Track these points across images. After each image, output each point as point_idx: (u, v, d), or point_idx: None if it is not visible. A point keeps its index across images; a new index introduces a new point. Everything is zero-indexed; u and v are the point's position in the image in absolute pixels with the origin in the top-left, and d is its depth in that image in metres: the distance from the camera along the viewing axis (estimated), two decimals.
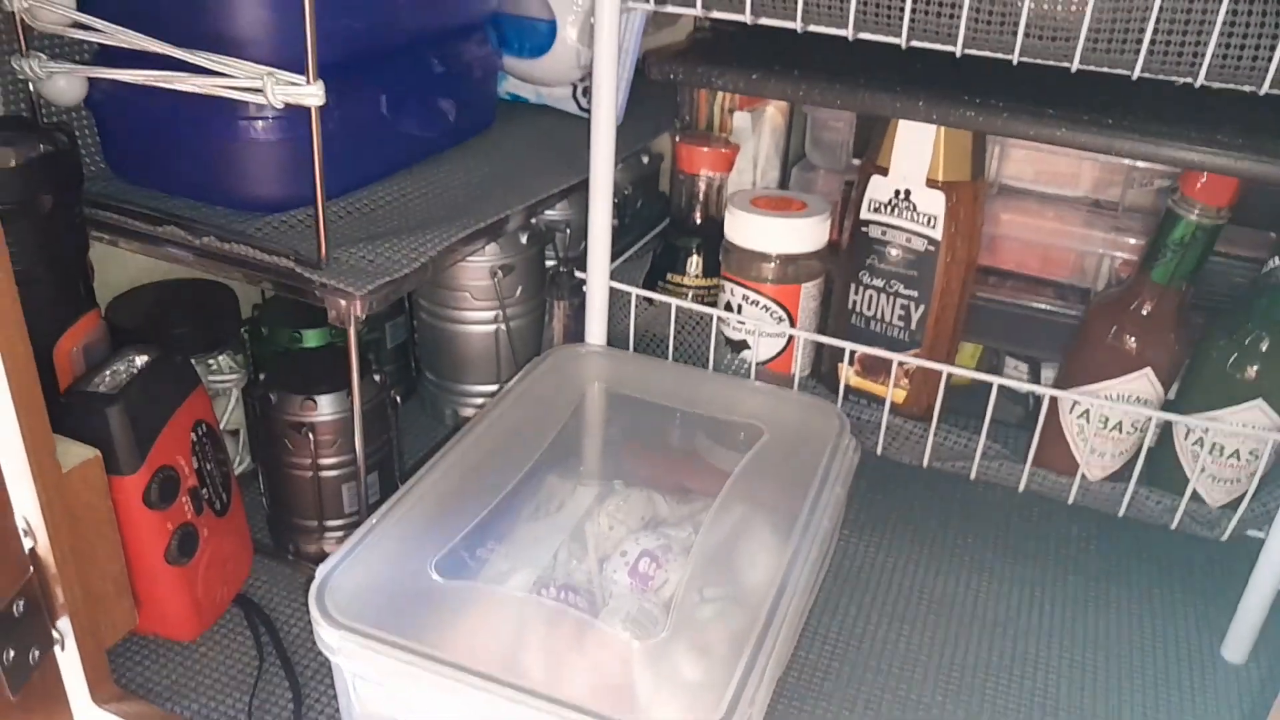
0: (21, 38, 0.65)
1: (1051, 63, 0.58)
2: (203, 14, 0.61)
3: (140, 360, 0.61)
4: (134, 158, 0.69)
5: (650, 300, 0.80)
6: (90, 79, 0.65)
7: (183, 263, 0.64)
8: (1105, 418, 0.68)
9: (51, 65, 0.64)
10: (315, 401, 0.67)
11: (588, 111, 0.72)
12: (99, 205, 0.66)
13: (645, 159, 1.00)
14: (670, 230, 0.86)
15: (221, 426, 0.74)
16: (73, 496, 0.56)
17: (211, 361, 0.75)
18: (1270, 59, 0.54)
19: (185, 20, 0.61)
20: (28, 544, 0.54)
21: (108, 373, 0.60)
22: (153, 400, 0.60)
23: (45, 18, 0.63)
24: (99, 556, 0.59)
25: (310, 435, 0.67)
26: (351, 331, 0.60)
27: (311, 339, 0.77)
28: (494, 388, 0.86)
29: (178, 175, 0.67)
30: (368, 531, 0.56)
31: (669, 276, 0.85)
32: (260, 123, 0.62)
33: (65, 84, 0.65)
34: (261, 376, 0.70)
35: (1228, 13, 0.53)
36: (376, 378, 0.70)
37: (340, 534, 0.71)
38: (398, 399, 0.72)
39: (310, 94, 0.55)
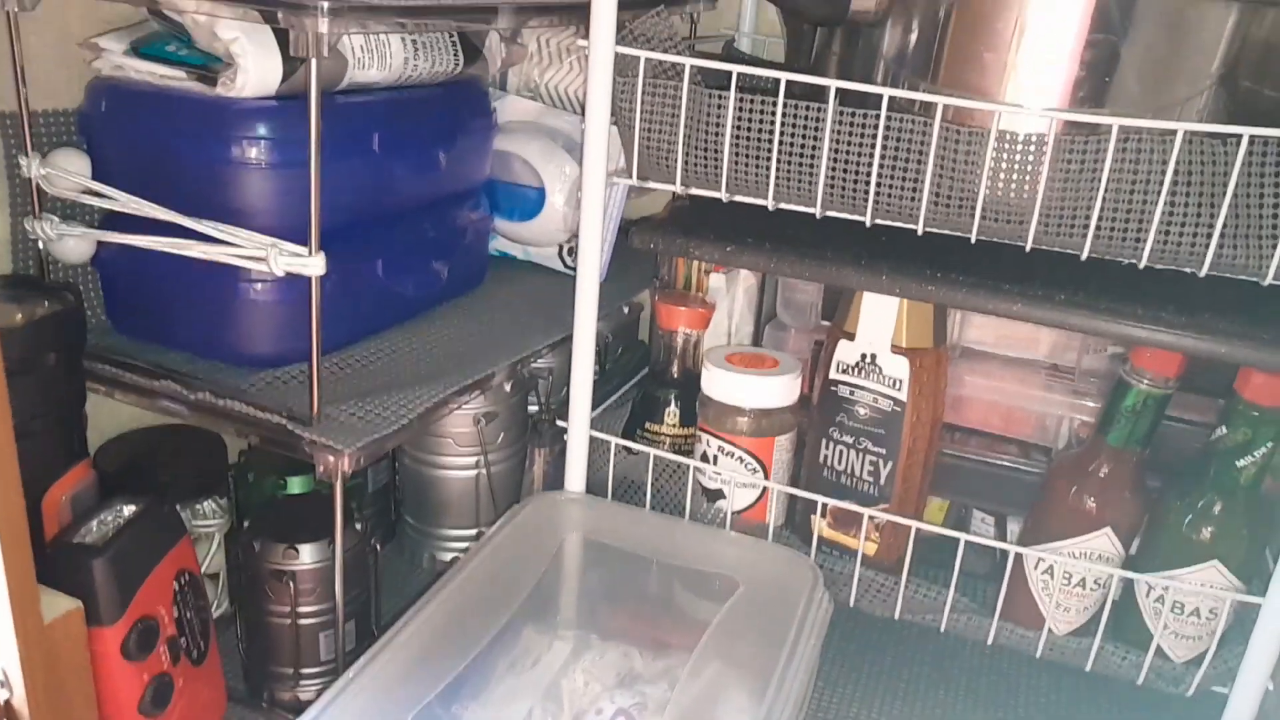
0: (35, 201, 0.69)
1: (1007, 241, 0.63)
2: (209, 185, 0.64)
3: (128, 510, 0.62)
4: (135, 313, 0.72)
5: (629, 449, 0.82)
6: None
7: (178, 416, 0.66)
8: (1069, 574, 0.70)
9: (63, 227, 0.67)
10: (297, 550, 0.68)
11: (573, 269, 0.76)
12: (98, 359, 0.68)
13: (625, 309, 1.04)
14: (649, 381, 0.89)
15: (202, 570, 0.75)
16: (52, 647, 0.56)
17: (198, 506, 0.76)
18: (1207, 245, 0.58)
19: (191, 189, 0.65)
20: (3, 695, 0.54)
21: (95, 522, 0.61)
22: (138, 551, 0.61)
23: (61, 184, 0.67)
24: (73, 707, 0.59)
25: (291, 583, 0.68)
26: (338, 486, 0.61)
27: (296, 485, 0.79)
28: (473, 532, 0.87)
29: (176, 331, 0.70)
30: (345, 686, 0.56)
31: (647, 425, 0.87)
32: (260, 285, 0.65)
33: (74, 244, 0.68)
34: (245, 523, 0.72)
35: (1165, 203, 0.58)
36: (358, 526, 0.71)
37: (316, 682, 0.71)
38: (378, 547, 0.73)
39: (312, 265, 0.58)
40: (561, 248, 0.94)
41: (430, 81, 0.77)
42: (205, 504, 0.77)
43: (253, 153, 0.64)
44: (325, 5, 0.55)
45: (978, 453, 0.80)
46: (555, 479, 0.82)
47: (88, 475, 0.66)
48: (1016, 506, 0.80)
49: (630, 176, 0.71)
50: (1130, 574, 0.68)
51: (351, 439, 0.61)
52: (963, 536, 0.70)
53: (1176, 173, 0.57)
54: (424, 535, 0.88)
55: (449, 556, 0.88)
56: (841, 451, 0.76)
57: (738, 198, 0.68)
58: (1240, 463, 0.65)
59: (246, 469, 0.80)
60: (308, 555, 0.68)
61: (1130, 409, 0.67)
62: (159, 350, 0.71)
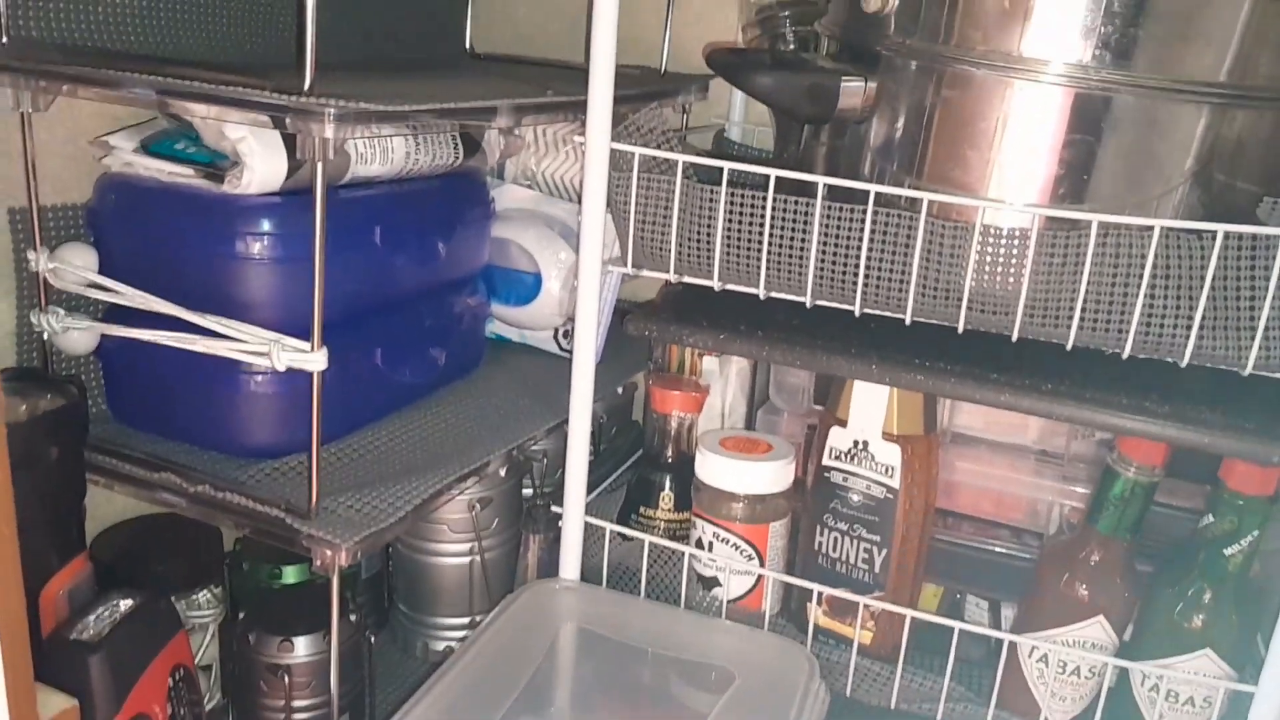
0: (42, 293, 0.70)
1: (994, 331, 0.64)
2: (214, 279, 0.66)
3: (124, 604, 0.62)
4: (136, 404, 0.73)
5: (624, 536, 0.82)
6: None
7: (176, 509, 0.66)
8: (1063, 663, 0.71)
9: (68, 320, 0.68)
10: (293, 643, 0.68)
11: (568, 352, 0.77)
12: (98, 449, 0.69)
13: (620, 389, 1.05)
14: (643, 464, 0.90)
15: (196, 662, 0.74)
16: None
17: (193, 597, 0.76)
18: (1187, 336, 0.60)
19: (197, 283, 0.66)
20: None
21: (92, 618, 0.61)
22: (134, 647, 0.61)
23: (68, 278, 0.68)
24: None
25: (286, 677, 0.68)
26: (334, 581, 0.62)
27: (291, 575, 0.79)
28: (467, 620, 0.86)
29: (177, 422, 0.71)
30: None
31: (642, 510, 0.88)
32: (260, 377, 0.66)
33: (79, 336, 0.69)
34: (240, 615, 0.72)
35: (1146, 296, 0.60)
36: (353, 617, 0.71)
37: None
38: (372, 638, 0.73)
39: (314, 360, 0.59)
40: (557, 331, 0.96)
41: (431, 174, 0.79)
42: (200, 594, 0.77)
43: (257, 248, 0.65)
44: (332, 112, 0.57)
45: (970, 538, 0.80)
46: (550, 565, 0.82)
47: (85, 568, 0.66)
48: (1010, 592, 0.80)
49: (625, 265, 0.72)
50: (1124, 662, 0.69)
51: (349, 533, 0.61)
52: (957, 625, 0.70)
53: (1155, 267, 0.59)
54: (417, 624, 0.88)
55: (442, 646, 0.87)
56: (836, 538, 0.76)
57: (730, 286, 0.69)
58: (1228, 551, 0.66)
59: (241, 557, 0.80)
60: (303, 649, 0.68)
61: (1118, 497, 0.68)
62: (157, 440, 0.71)
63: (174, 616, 0.65)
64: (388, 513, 0.64)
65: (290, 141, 0.65)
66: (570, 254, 0.90)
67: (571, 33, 1.10)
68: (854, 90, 0.68)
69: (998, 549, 0.79)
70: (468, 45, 1.11)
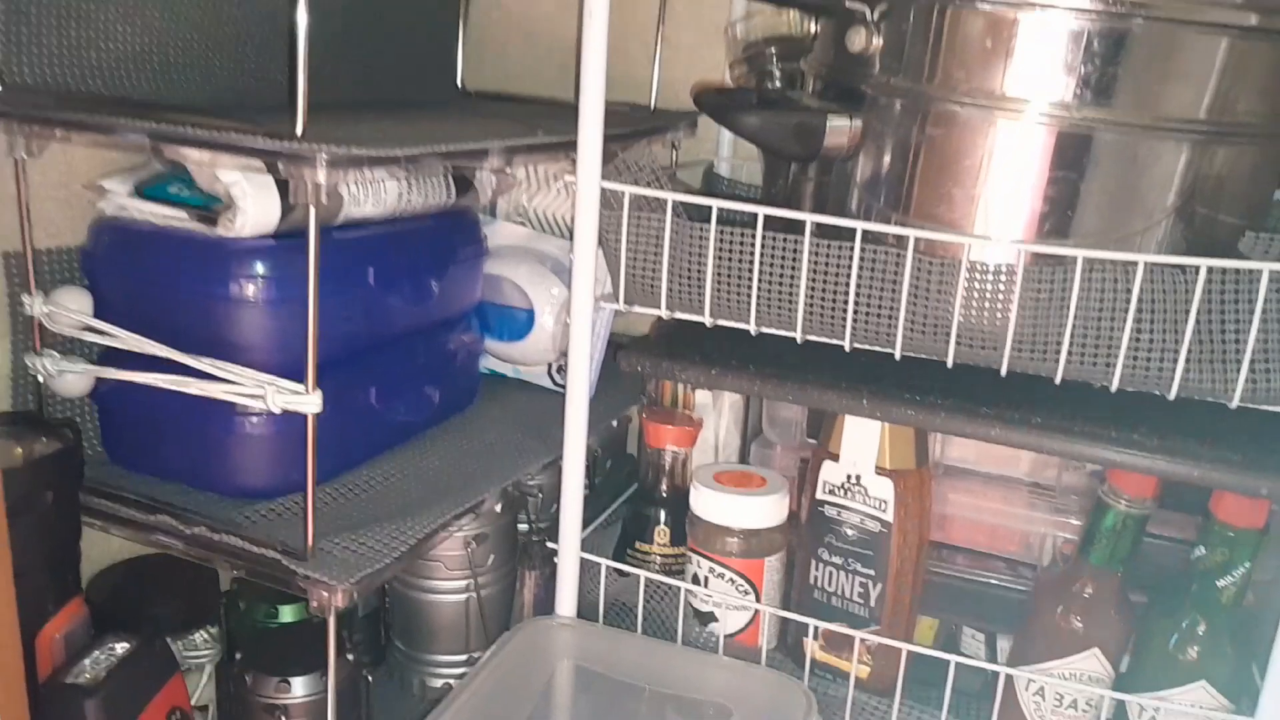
0: (37, 337, 0.70)
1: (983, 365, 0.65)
2: (208, 321, 0.66)
3: (120, 648, 0.62)
4: (131, 446, 0.73)
5: (620, 572, 0.82)
6: None
7: (172, 550, 0.66)
8: (1060, 695, 0.71)
9: (63, 364, 0.69)
10: (289, 683, 0.68)
11: (562, 387, 0.77)
12: (93, 492, 0.69)
13: (614, 423, 1.06)
14: (638, 498, 0.90)
15: (192, 703, 0.74)
16: None
17: (190, 638, 0.76)
18: (1174, 369, 0.60)
19: (191, 325, 0.67)
20: None
21: (87, 661, 0.61)
22: (130, 690, 0.61)
23: (62, 322, 0.68)
24: None
25: (283, 717, 0.68)
26: (331, 622, 0.62)
27: (287, 614, 0.79)
28: (464, 658, 0.86)
29: (172, 463, 0.71)
30: None
31: (637, 545, 0.88)
32: (255, 419, 0.67)
33: (74, 380, 0.69)
34: (237, 655, 0.71)
35: (1132, 330, 0.60)
36: (350, 656, 0.71)
37: None
38: (369, 677, 0.73)
39: (309, 403, 0.60)
40: (550, 366, 0.96)
41: (423, 213, 0.80)
42: (197, 635, 0.76)
43: (251, 290, 0.66)
44: (324, 156, 0.58)
45: (965, 570, 0.80)
46: (546, 602, 0.82)
47: (81, 611, 0.66)
48: (1005, 624, 0.80)
49: (617, 301, 0.73)
50: (1120, 695, 0.69)
51: (345, 574, 0.61)
52: (953, 659, 0.70)
53: (1140, 301, 0.59)
54: (414, 661, 0.88)
55: (439, 683, 0.87)
56: (831, 573, 0.76)
57: (721, 322, 0.70)
58: (1220, 583, 0.66)
59: (238, 597, 0.80)
60: (300, 689, 0.68)
61: (1110, 529, 0.69)
62: (153, 482, 0.71)
63: (170, 659, 0.65)
64: (384, 553, 0.64)
65: (283, 184, 0.65)
66: (563, 290, 0.91)
67: (561, 70, 1.11)
68: (840, 129, 0.69)
69: (992, 581, 0.80)
70: (459, 83, 1.12)
